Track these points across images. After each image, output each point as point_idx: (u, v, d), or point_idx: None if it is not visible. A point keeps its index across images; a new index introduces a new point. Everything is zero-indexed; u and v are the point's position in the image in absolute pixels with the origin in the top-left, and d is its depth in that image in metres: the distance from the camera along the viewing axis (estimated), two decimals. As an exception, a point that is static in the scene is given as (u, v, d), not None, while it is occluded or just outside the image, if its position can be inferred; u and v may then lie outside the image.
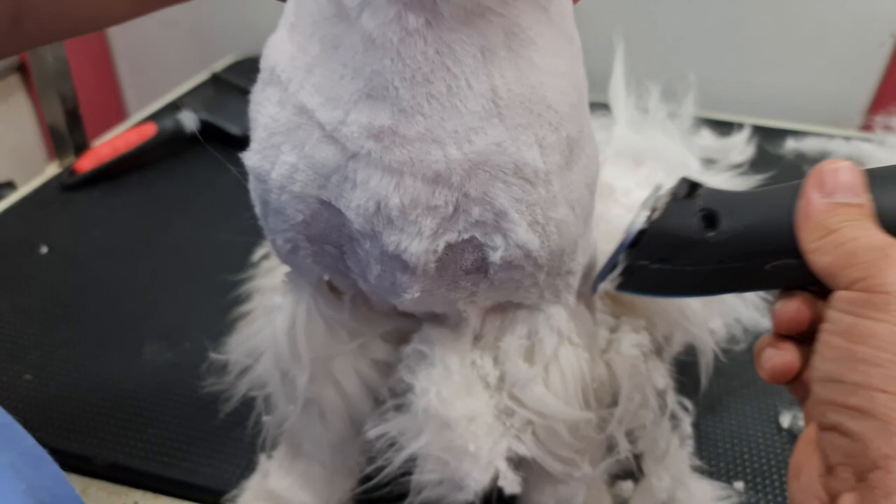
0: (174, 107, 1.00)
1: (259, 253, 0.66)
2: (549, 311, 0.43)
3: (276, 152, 0.36)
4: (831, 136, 0.95)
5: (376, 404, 0.48)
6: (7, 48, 0.45)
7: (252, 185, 0.40)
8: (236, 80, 1.05)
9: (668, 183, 0.40)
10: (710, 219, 0.37)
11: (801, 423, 0.58)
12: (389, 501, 0.48)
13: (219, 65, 1.14)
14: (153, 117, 0.97)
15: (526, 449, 0.44)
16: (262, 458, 0.53)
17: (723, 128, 0.95)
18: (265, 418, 0.51)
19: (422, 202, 0.34)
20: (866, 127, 1.06)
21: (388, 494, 0.47)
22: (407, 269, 0.37)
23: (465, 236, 0.36)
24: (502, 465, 0.43)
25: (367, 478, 0.48)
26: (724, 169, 0.90)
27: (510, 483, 0.43)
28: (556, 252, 0.39)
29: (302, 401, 0.47)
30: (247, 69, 1.03)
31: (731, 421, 0.60)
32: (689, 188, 0.39)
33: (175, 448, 0.57)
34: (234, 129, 0.93)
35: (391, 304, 0.41)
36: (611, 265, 0.40)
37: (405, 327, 0.46)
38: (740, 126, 0.95)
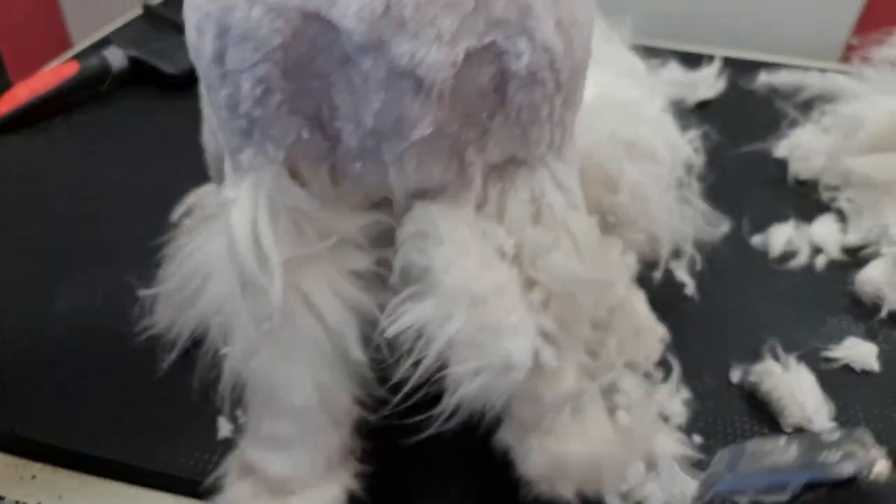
0: (105, 42, 0.92)
1: (179, 210, 0.61)
2: (553, 166, 0.39)
3: None
4: (806, 69, 0.89)
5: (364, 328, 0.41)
6: None
7: (196, 23, 0.33)
8: (171, 15, 0.97)
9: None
10: None
11: (750, 377, 0.55)
12: (420, 411, 0.40)
13: (154, -2, 1.06)
14: (78, 55, 0.90)
15: (550, 325, 0.39)
16: (224, 423, 0.47)
17: (692, 60, 0.90)
18: (224, 351, 0.43)
19: None
20: (845, 59, 1.01)
21: (416, 406, 0.40)
22: (420, 90, 0.32)
23: (486, 41, 0.32)
24: (538, 340, 0.39)
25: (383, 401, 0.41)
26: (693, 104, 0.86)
27: (549, 356, 0.39)
28: (576, 67, 0.35)
29: (278, 314, 0.39)
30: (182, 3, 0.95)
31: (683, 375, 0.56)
32: None
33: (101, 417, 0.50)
34: (167, 68, 0.87)
35: (373, 184, 0.36)
36: None
37: (384, 222, 0.40)
38: (711, 58, 0.90)
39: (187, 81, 0.87)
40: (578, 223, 0.40)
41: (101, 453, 0.48)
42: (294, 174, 0.38)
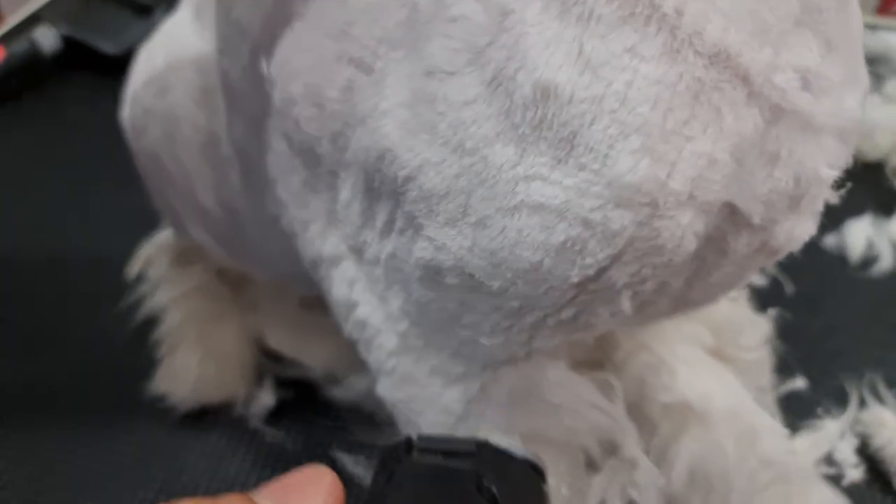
0: (35, 20, 0.78)
1: (135, 266, 0.52)
2: None
3: (679, 142, 0.22)
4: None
5: None
6: None
7: (563, 240, 0.23)
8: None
9: None
10: None
11: (857, 427, 0.45)
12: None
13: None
14: (4, 38, 0.76)
15: None
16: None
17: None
18: None
19: (838, 170, 0.26)
20: (884, 9, 0.91)
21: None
22: (772, 258, 0.28)
23: None
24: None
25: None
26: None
27: None
28: None
29: None
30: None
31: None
32: None
33: None
34: (107, 48, 0.73)
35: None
36: None
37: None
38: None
39: (130, 63, 0.74)
40: None
41: None
42: None
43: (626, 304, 0.25)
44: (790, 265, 0.54)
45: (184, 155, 0.39)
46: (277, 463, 0.45)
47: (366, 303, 0.30)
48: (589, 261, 0.23)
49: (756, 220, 0.25)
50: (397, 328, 0.30)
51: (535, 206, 0.22)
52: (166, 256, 0.51)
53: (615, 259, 0.23)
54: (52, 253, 0.57)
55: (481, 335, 0.27)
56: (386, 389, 0.32)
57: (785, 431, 0.36)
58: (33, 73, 0.72)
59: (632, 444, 0.32)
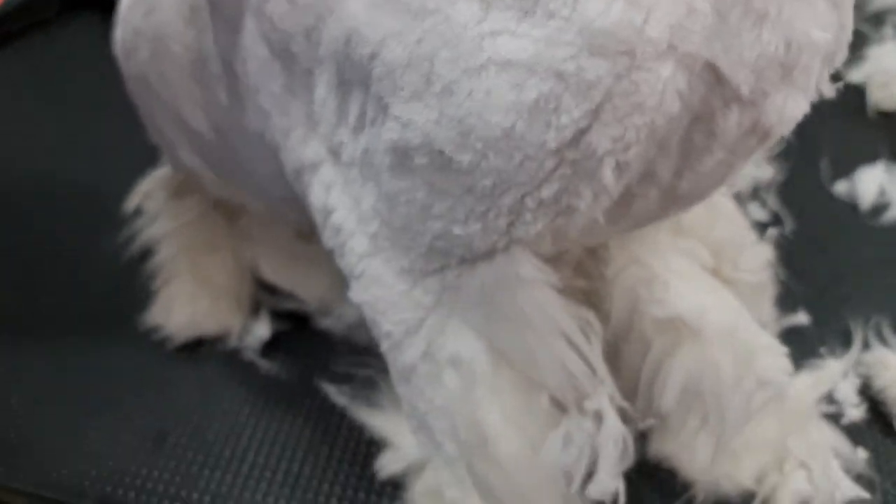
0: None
1: (133, 200, 0.51)
2: None
3: None
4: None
5: None
6: None
7: (533, 99, 0.22)
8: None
9: None
10: None
11: (860, 369, 0.44)
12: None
13: None
14: (11, -23, 0.76)
15: None
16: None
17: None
18: None
19: (830, 34, 0.25)
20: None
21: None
22: (763, 142, 0.27)
23: None
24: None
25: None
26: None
27: None
28: None
29: None
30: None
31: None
32: None
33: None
34: (116, -11, 0.72)
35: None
36: None
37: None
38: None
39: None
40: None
41: None
42: None
43: (608, 175, 0.23)
44: (802, 210, 0.53)
45: (173, 74, 0.39)
46: (270, 394, 0.45)
47: (342, 206, 0.30)
48: (565, 119, 0.22)
49: (745, 90, 0.23)
50: (368, 229, 0.29)
51: (504, 62, 0.22)
52: (164, 191, 0.51)
53: (594, 117, 0.22)
54: (52, 187, 0.57)
55: (455, 224, 0.26)
56: (355, 293, 0.31)
57: (783, 350, 0.35)
58: (39, 12, 0.72)
59: (601, 396, 0.30)
